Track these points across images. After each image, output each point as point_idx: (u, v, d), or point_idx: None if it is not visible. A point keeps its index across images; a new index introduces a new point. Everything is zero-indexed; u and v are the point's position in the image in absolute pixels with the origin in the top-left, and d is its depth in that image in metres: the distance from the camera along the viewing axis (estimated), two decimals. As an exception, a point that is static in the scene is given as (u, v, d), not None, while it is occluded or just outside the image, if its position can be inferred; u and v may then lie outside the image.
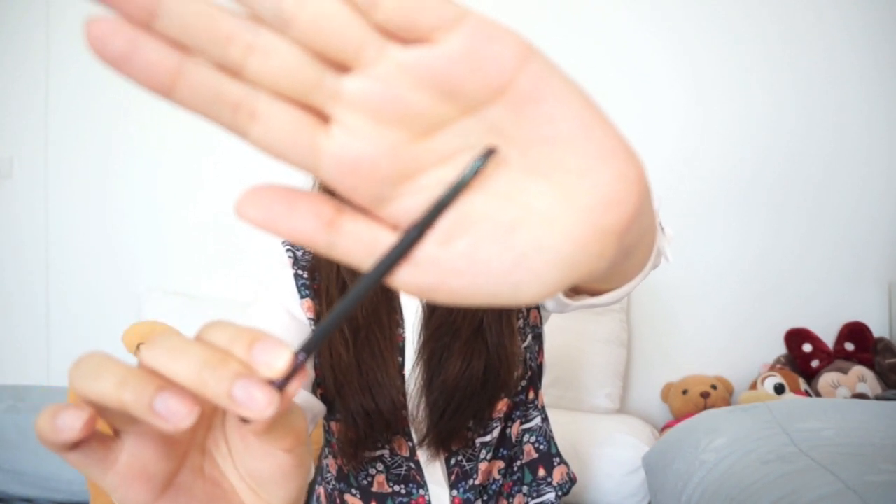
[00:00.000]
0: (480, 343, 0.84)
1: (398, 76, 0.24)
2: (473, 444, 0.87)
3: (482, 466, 0.88)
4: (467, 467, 0.88)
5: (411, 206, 0.27)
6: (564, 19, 1.86)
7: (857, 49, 1.81)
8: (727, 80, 1.84)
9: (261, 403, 0.27)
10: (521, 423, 0.92)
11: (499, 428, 0.88)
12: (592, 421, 1.60)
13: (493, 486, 0.90)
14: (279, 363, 0.28)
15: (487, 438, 0.88)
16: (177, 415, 0.27)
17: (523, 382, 0.90)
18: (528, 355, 0.90)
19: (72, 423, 0.28)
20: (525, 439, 0.93)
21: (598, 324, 1.76)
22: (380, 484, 0.89)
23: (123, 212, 1.99)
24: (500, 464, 0.90)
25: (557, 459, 0.95)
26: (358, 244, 0.27)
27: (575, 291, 0.63)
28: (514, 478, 0.92)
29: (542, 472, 0.93)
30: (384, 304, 0.88)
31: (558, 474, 0.94)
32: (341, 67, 0.25)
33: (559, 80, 0.25)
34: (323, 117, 0.26)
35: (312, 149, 0.26)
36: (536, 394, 0.93)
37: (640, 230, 0.30)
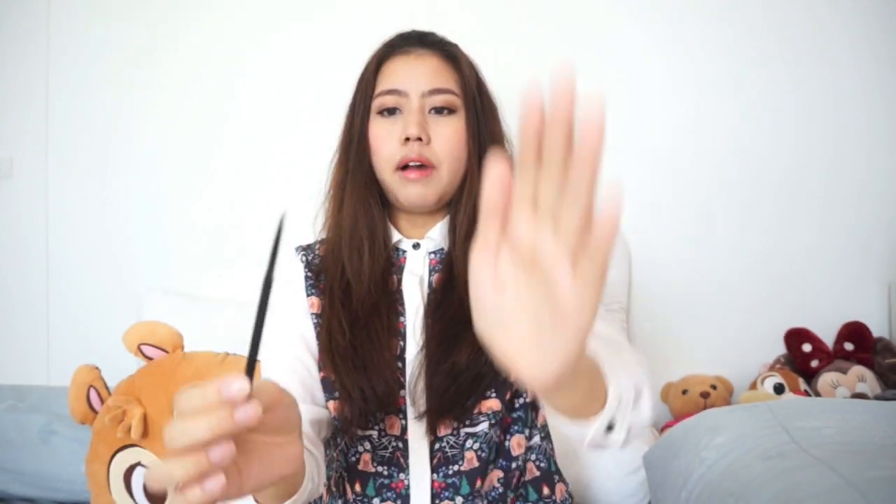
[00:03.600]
0: None
1: None
2: (458, 432, 0.92)
3: (468, 455, 0.91)
4: (450, 454, 0.92)
5: None
6: (565, 23, 1.86)
7: (856, 50, 1.81)
8: (725, 83, 1.84)
9: (251, 413, 0.48)
10: (528, 440, 0.96)
11: (485, 424, 0.92)
12: (592, 421, 1.59)
13: (493, 493, 0.94)
14: (243, 387, 0.48)
15: (475, 430, 0.92)
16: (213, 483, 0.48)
17: (521, 400, 0.94)
18: None
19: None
20: (526, 457, 0.96)
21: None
22: (365, 463, 0.94)
23: (123, 212, 1.99)
24: (500, 473, 0.94)
25: (557, 477, 1.00)
26: None
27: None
28: (518, 493, 0.96)
29: (546, 491, 0.97)
30: (384, 300, 0.95)
31: (559, 492, 0.99)
32: None
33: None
34: None
35: None
36: (537, 413, 0.98)
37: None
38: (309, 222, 1.04)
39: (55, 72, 2.00)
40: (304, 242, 1.05)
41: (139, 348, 1.39)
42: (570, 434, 0.64)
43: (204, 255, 1.94)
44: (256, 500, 0.67)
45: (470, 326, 0.88)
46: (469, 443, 0.92)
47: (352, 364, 0.90)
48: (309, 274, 0.99)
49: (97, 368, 1.40)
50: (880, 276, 1.82)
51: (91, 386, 1.37)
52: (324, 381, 0.93)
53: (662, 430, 1.70)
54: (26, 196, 2.01)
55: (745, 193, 1.84)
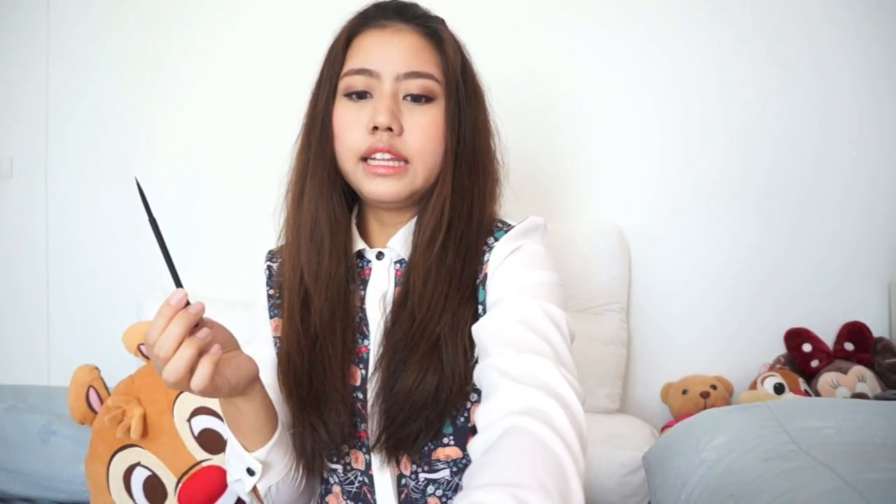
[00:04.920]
0: (436, 359, 0.82)
1: None
2: (417, 476, 0.86)
3: (430, 501, 0.87)
4: (414, 496, 0.87)
5: None
6: (559, 26, 1.86)
7: (844, 45, 1.81)
8: (713, 83, 1.84)
9: (198, 307, 0.72)
10: None
11: (446, 472, 0.86)
12: (592, 421, 1.59)
13: None
14: (182, 294, 0.71)
15: (435, 477, 0.86)
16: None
17: None
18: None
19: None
20: None
21: (598, 324, 1.76)
22: (336, 496, 0.91)
23: (123, 212, 1.99)
24: None
25: None
26: None
27: None
28: None
29: None
30: (341, 317, 0.87)
31: None
32: None
33: None
34: None
35: None
36: None
37: None
38: (269, 216, 0.94)
39: (55, 72, 2.00)
40: (275, 246, 0.97)
41: (139, 348, 1.39)
42: None
43: (203, 255, 1.94)
44: (245, 448, 0.83)
45: (415, 350, 0.81)
46: (430, 489, 0.86)
47: (306, 397, 0.85)
48: (272, 292, 0.94)
49: (97, 368, 1.41)
50: (880, 276, 1.82)
51: (91, 386, 1.37)
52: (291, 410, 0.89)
53: (662, 430, 1.70)
54: (26, 196, 2.02)
55: (745, 193, 1.84)
